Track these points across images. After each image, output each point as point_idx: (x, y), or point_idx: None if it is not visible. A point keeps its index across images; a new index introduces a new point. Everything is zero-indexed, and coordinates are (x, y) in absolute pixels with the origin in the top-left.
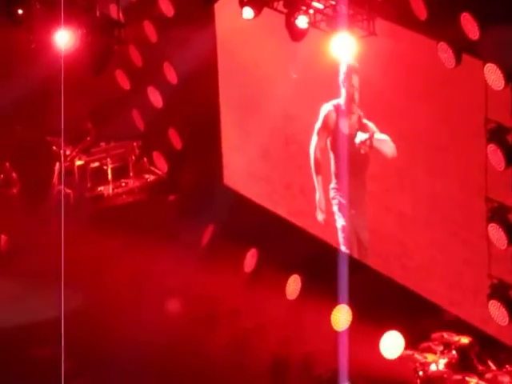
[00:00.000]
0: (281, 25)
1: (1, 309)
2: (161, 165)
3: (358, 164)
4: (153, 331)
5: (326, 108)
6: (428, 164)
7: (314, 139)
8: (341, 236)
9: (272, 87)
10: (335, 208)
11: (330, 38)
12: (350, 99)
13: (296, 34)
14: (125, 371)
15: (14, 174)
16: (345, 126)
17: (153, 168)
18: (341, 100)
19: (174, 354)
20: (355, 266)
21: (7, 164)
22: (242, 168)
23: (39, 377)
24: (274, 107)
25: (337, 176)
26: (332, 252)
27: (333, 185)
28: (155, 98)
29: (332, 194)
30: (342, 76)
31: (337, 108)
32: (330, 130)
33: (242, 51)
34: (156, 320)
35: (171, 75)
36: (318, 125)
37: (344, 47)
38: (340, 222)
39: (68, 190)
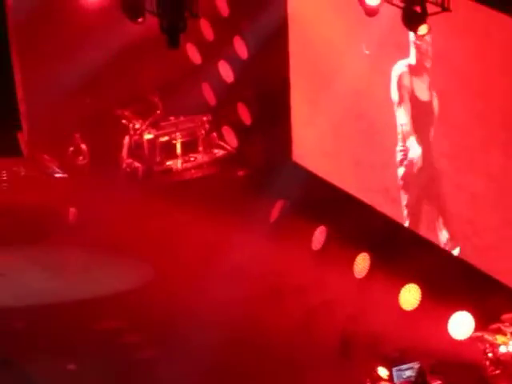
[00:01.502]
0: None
1: (69, 281)
2: (230, 140)
3: (427, 125)
4: (219, 306)
5: (399, 69)
6: (502, 143)
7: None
8: (407, 212)
9: (344, 63)
10: (400, 171)
11: (404, 14)
12: (421, 58)
13: (369, 9)
14: (190, 345)
15: (83, 146)
16: (418, 87)
17: (222, 143)
18: (411, 60)
19: (240, 330)
20: (424, 245)
21: (77, 136)
22: (312, 144)
23: (104, 349)
24: (346, 83)
25: (404, 138)
26: (401, 230)
27: (399, 147)
28: (226, 72)
29: (399, 156)
30: (412, 37)
31: (408, 67)
32: (402, 90)
33: (314, 26)
34: (223, 295)
35: (242, 50)
36: (392, 85)
37: (417, 23)
38: (405, 194)
39: (137, 164)
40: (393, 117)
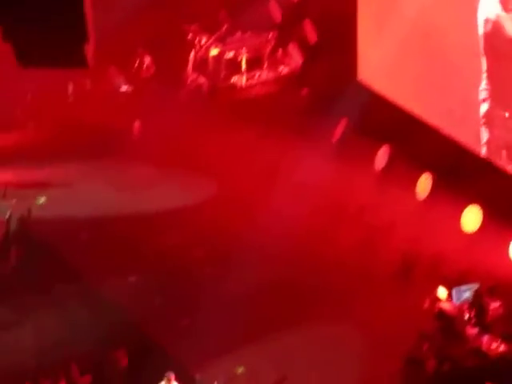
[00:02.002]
0: None
1: (133, 195)
2: (295, 58)
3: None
4: (282, 223)
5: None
6: None
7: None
8: (484, 136)
9: None
10: (483, 108)
11: None
12: None
13: None
14: (254, 261)
15: (148, 60)
16: (507, 24)
17: (287, 60)
18: None
19: (303, 247)
20: (487, 167)
21: (143, 50)
22: (377, 64)
23: (168, 264)
24: (414, 0)
25: (489, 76)
26: (465, 152)
27: (483, 85)
28: None
29: (482, 95)
30: None
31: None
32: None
33: None
34: (286, 212)
35: None
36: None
37: None
38: (487, 128)
39: (202, 80)
40: (460, 34)
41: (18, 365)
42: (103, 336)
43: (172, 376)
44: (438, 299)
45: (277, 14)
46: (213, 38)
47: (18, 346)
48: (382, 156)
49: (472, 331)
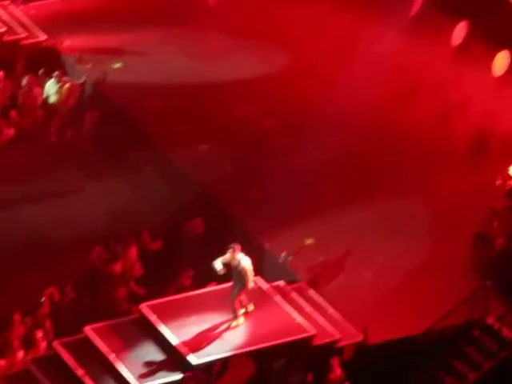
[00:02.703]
0: None
1: (208, 64)
2: None
3: None
4: (357, 96)
5: None
6: None
7: None
8: None
9: None
10: None
11: None
12: None
13: None
14: (327, 132)
15: None
16: None
17: None
18: None
19: (375, 122)
20: None
21: None
22: None
23: (240, 134)
24: None
25: None
26: None
27: None
28: None
29: None
30: None
31: None
32: None
33: None
34: (360, 85)
35: None
36: None
37: None
38: None
39: None
40: None
41: (90, 229)
42: (175, 204)
43: (237, 247)
44: (510, 177)
45: None
46: None
47: (90, 211)
48: (459, 32)
49: None
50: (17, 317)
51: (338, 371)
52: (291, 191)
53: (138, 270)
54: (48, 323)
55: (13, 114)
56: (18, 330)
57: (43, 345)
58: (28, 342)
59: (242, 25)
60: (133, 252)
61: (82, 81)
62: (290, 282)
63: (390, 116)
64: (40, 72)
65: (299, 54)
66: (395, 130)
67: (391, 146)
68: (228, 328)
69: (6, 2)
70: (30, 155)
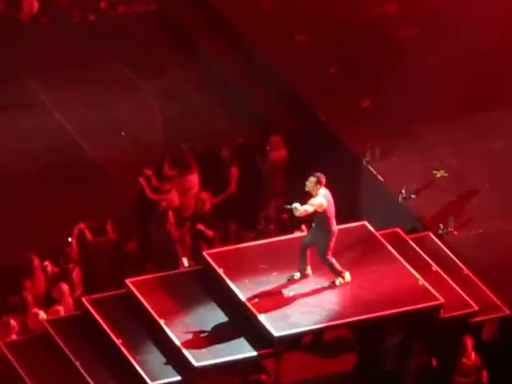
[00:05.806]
0: None
1: None
2: None
3: None
4: None
5: None
6: None
7: None
8: None
9: None
10: None
11: None
12: None
13: None
14: (459, 25)
15: None
16: None
17: None
18: None
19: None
20: None
21: None
22: None
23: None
24: None
25: None
26: None
27: None
28: None
29: None
30: None
31: None
32: None
33: None
34: None
35: None
36: None
37: None
38: None
39: None
40: None
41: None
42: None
43: (323, 178)
44: None
45: None
46: None
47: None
48: None
49: None
50: (36, 261)
51: (472, 355)
52: (414, 97)
53: (205, 203)
54: (76, 272)
55: None
56: (39, 279)
57: (69, 301)
58: (49, 297)
59: None
60: (194, 178)
61: None
62: (410, 230)
63: None
64: None
65: None
66: None
67: None
68: (325, 288)
69: None
70: None
